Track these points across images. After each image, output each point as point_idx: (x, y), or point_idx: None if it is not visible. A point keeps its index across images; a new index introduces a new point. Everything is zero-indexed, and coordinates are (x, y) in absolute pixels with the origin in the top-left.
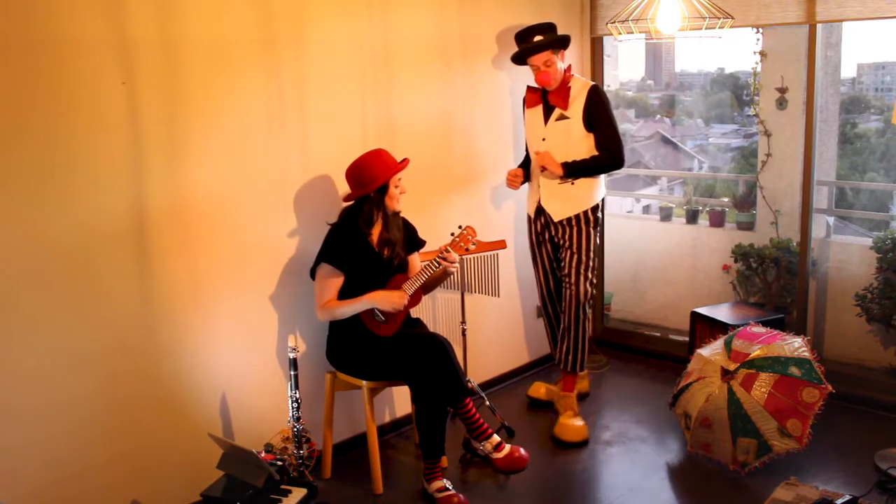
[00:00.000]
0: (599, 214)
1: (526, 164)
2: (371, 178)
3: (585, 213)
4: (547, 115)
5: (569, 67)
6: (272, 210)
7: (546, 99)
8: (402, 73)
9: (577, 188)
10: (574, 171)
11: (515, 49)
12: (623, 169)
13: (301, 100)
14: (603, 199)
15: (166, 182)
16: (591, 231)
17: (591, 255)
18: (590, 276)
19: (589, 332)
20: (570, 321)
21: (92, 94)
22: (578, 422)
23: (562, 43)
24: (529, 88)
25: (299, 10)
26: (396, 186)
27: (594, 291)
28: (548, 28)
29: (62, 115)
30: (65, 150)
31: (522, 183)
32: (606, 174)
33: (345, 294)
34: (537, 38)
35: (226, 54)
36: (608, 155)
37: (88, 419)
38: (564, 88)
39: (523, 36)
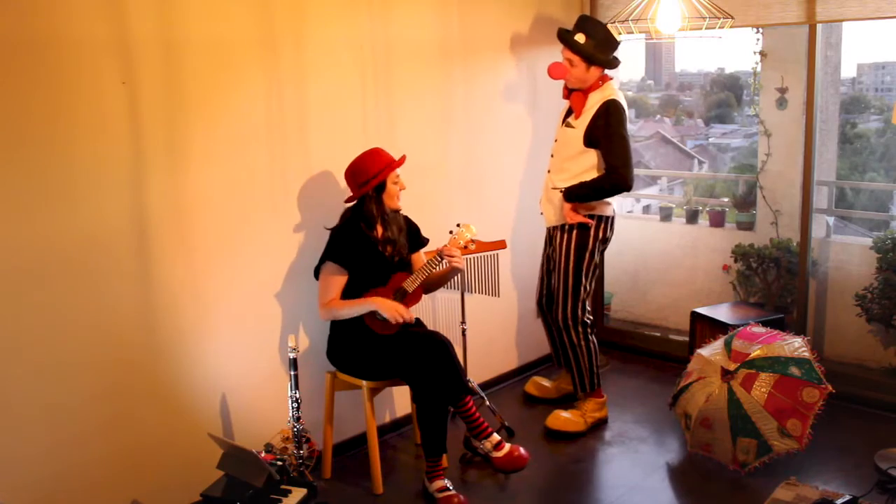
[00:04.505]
0: (595, 234)
1: None
2: (368, 176)
3: (571, 227)
4: (566, 116)
5: (604, 77)
6: (272, 210)
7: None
8: (403, 73)
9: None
10: (573, 196)
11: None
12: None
13: (301, 100)
14: (605, 221)
15: (167, 181)
16: (580, 252)
17: (579, 277)
18: (573, 301)
19: (591, 352)
20: (564, 343)
21: (92, 94)
22: (577, 417)
23: (592, 58)
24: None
25: (299, 10)
26: (395, 183)
27: (585, 317)
28: (596, 35)
29: (62, 115)
30: (64, 150)
31: None
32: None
33: (348, 291)
34: (579, 35)
35: (226, 54)
36: (613, 175)
37: (88, 419)
38: (585, 96)
39: (578, 24)
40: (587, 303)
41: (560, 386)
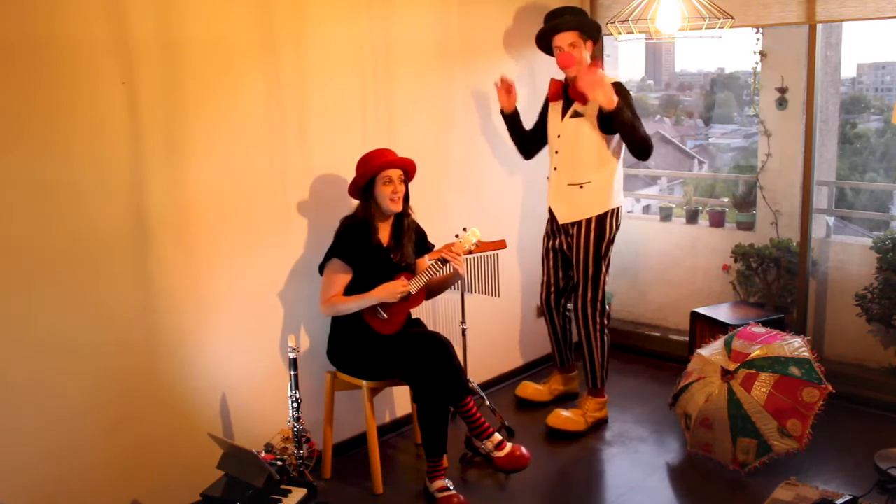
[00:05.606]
0: (611, 224)
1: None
2: (360, 173)
3: (590, 220)
4: (565, 111)
5: (596, 62)
6: (272, 210)
7: (567, 93)
8: (403, 73)
9: (585, 192)
10: (623, 113)
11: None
12: (624, 169)
13: (301, 100)
14: (618, 210)
15: (167, 181)
16: (599, 242)
17: (599, 265)
18: (592, 289)
19: (604, 346)
20: (581, 335)
21: (92, 94)
22: (577, 416)
23: (591, 29)
24: (553, 80)
25: (299, 10)
26: (386, 184)
27: (603, 306)
28: (579, 13)
29: (62, 115)
30: (65, 151)
31: (513, 104)
32: (622, 175)
33: (351, 292)
34: (565, 17)
35: (226, 55)
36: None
37: (89, 419)
38: None
39: (552, 15)
40: (604, 292)
41: (552, 387)
